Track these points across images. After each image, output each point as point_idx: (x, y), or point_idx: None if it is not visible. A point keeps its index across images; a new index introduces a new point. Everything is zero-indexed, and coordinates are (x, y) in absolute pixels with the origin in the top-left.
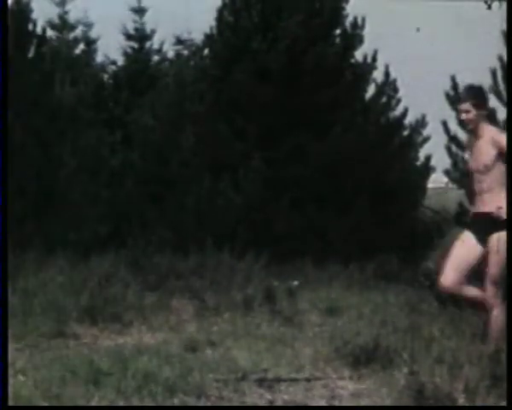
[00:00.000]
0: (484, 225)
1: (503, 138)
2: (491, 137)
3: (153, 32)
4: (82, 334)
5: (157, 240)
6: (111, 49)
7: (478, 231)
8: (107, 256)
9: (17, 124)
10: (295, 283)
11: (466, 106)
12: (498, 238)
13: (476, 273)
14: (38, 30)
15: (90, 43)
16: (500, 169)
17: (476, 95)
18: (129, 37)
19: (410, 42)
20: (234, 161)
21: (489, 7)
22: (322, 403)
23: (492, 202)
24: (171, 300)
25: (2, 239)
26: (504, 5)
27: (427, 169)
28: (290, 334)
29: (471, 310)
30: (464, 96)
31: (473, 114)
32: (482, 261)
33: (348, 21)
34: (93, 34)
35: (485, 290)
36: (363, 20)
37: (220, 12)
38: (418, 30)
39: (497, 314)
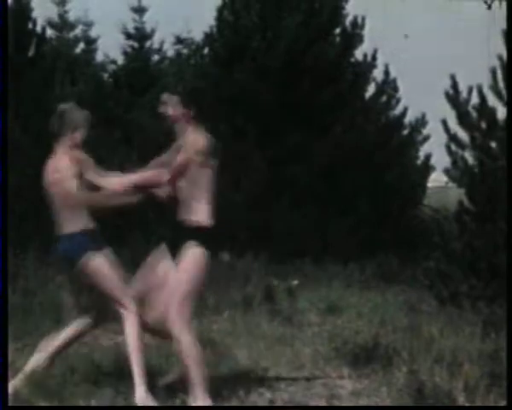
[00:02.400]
0: (179, 236)
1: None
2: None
3: (153, 31)
4: None
5: (157, 239)
6: (111, 48)
7: (174, 242)
8: None
9: (17, 123)
10: (295, 282)
11: (172, 100)
12: (189, 253)
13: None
14: (38, 29)
15: (90, 42)
16: (201, 174)
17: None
18: (129, 36)
19: (409, 41)
20: (234, 160)
21: (489, 7)
22: (322, 402)
23: (191, 209)
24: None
25: (2, 239)
26: (504, 5)
27: (426, 168)
28: (290, 333)
29: (471, 309)
30: (172, 91)
31: (178, 110)
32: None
33: (348, 21)
34: (93, 33)
35: (166, 313)
36: (363, 19)
37: (220, 11)
38: (406, 36)
39: (188, 345)
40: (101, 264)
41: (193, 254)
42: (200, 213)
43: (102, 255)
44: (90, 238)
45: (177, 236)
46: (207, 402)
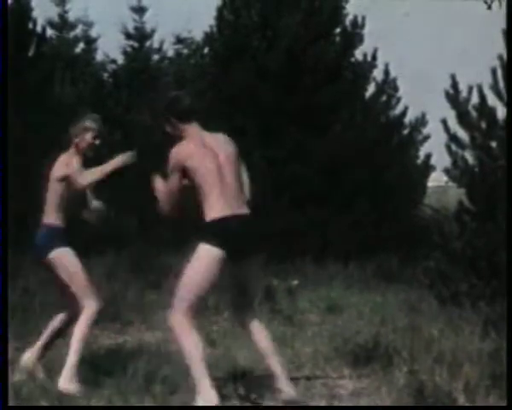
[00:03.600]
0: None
1: None
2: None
3: (153, 30)
4: None
5: (157, 239)
6: (111, 48)
7: None
8: (108, 256)
9: (17, 123)
10: (295, 282)
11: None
12: (195, 253)
13: None
14: (38, 29)
15: (90, 42)
16: (201, 172)
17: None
18: (129, 36)
19: (409, 41)
20: None
21: (489, 7)
22: (322, 402)
23: (202, 210)
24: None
25: (2, 239)
26: (504, 5)
27: (427, 168)
28: (290, 333)
29: (471, 309)
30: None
31: (168, 128)
32: None
33: (348, 20)
34: (93, 33)
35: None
36: (363, 18)
37: (220, 11)
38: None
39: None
40: (67, 260)
41: (196, 252)
42: (206, 210)
43: (68, 252)
44: (57, 234)
45: None
46: (211, 398)
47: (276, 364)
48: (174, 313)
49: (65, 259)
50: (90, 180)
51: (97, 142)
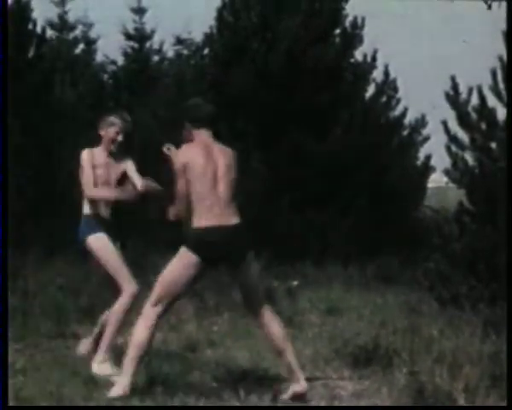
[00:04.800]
0: None
1: None
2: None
3: (152, 31)
4: (82, 334)
5: (156, 240)
6: (111, 49)
7: None
8: None
9: (17, 124)
10: (295, 283)
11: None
12: None
13: None
14: (38, 30)
15: (90, 43)
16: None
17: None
18: (129, 37)
19: (409, 41)
20: None
21: (489, 7)
22: (322, 403)
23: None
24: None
25: (2, 239)
26: (504, 5)
27: (426, 169)
28: (290, 334)
29: (471, 311)
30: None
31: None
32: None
33: (348, 21)
34: (93, 34)
35: None
36: (363, 19)
37: (220, 12)
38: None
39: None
40: (100, 245)
41: (177, 253)
42: (194, 217)
43: (100, 237)
44: (90, 222)
45: None
46: (115, 391)
47: (291, 356)
48: (147, 303)
49: (98, 244)
50: (94, 196)
51: (119, 138)
